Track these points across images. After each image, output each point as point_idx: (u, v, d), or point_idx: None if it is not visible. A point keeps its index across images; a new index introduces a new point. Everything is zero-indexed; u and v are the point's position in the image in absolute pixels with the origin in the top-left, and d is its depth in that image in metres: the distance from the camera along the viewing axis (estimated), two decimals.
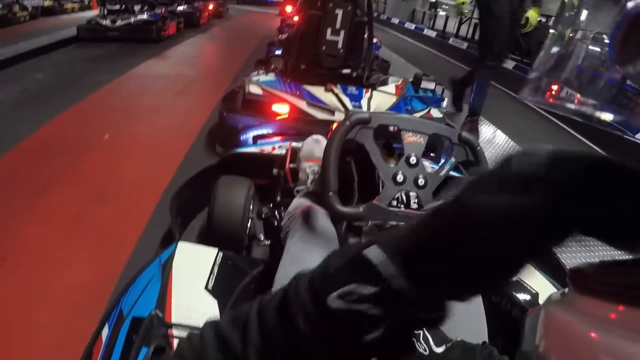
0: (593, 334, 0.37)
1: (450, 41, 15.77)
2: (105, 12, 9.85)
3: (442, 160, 1.53)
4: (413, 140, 1.49)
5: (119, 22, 9.37)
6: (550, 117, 8.42)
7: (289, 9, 10.16)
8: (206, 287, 1.32)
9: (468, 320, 1.15)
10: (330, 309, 0.43)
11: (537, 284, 1.53)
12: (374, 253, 0.44)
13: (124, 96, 5.77)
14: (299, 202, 1.79)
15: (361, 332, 0.43)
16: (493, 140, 5.98)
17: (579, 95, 0.39)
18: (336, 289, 0.43)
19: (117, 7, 9.97)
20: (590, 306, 0.39)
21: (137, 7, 10.34)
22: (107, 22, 9.33)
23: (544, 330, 0.45)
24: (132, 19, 9.58)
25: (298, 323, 0.45)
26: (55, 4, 13.79)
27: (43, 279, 2.32)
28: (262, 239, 2.19)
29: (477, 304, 1.23)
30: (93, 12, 11.87)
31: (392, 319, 0.43)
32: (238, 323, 0.50)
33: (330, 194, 1.40)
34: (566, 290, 0.48)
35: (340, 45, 4.08)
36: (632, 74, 0.31)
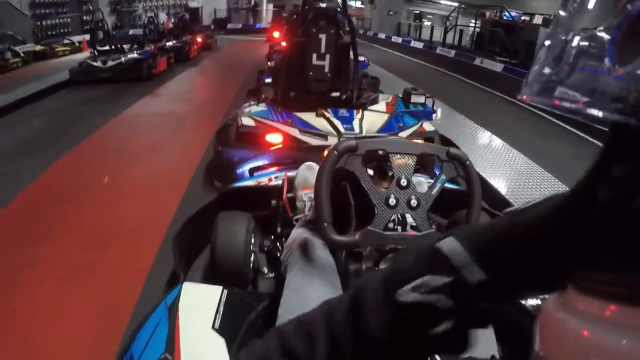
0: (587, 332, 0.38)
1: (438, 50, 15.90)
2: (96, 53, 9.94)
3: (436, 175, 1.56)
4: (402, 163, 1.51)
5: (110, 63, 9.46)
6: (547, 116, 8.48)
7: (276, 34, 10.26)
8: (213, 327, 1.33)
9: (475, 334, 1.14)
10: (402, 303, 0.44)
11: None
12: (447, 244, 0.45)
13: (120, 137, 5.83)
14: (296, 234, 1.82)
15: (430, 325, 0.44)
16: (489, 146, 6.02)
17: (580, 96, 0.39)
18: (409, 282, 0.44)
19: (107, 47, 10.07)
20: (587, 304, 0.40)
21: (126, 46, 10.47)
22: (98, 63, 9.42)
23: (541, 331, 0.45)
24: (123, 59, 9.65)
25: (369, 322, 0.45)
26: (46, 48, 13.95)
27: (51, 331, 2.33)
28: (266, 272, 2.20)
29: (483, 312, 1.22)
30: (84, 54, 11.96)
31: (461, 312, 0.44)
32: (302, 331, 0.50)
33: (325, 224, 1.41)
34: (567, 288, 0.46)
35: (327, 69, 4.14)
36: (632, 74, 0.33)
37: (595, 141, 6.59)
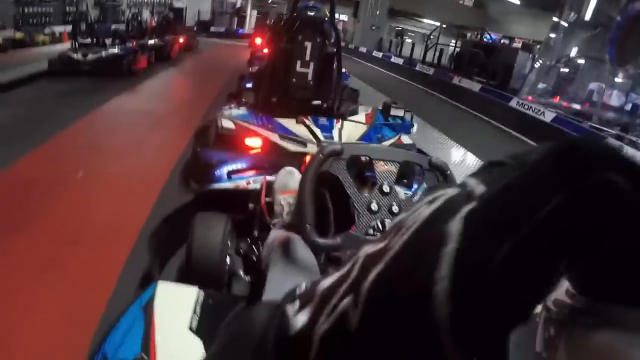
0: (592, 333, 0.36)
1: (417, 67, 16.06)
2: (77, 45, 9.81)
3: (415, 186, 1.58)
4: (385, 169, 1.54)
5: (91, 56, 9.32)
6: (517, 134, 8.68)
7: (258, 40, 10.30)
8: (190, 327, 1.33)
9: None
10: None
11: None
12: None
13: (97, 133, 5.76)
14: (276, 234, 1.82)
15: None
16: (463, 162, 6.12)
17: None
18: None
19: (89, 40, 9.96)
20: (589, 305, 0.38)
21: (108, 41, 10.33)
22: (78, 56, 9.26)
23: (544, 328, 0.44)
24: (104, 53, 9.53)
25: None
26: (26, 36, 13.68)
27: (17, 327, 2.26)
28: (241, 275, 2.20)
29: None
30: (65, 45, 11.76)
31: None
32: None
33: (308, 227, 1.41)
34: (566, 287, 0.44)
35: (310, 77, 4.16)
36: (632, 73, 0.31)
37: None
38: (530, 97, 10.62)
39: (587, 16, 9.15)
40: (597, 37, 9.37)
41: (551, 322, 0.42)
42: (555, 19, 10.57)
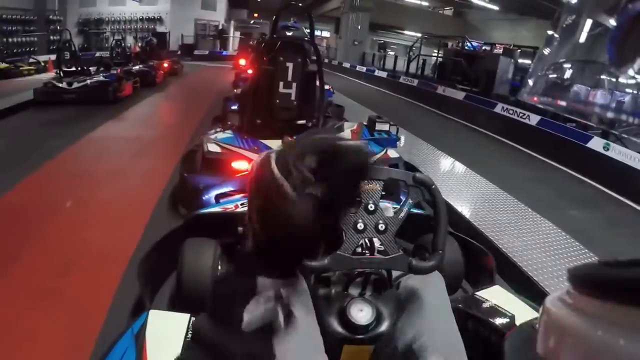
0: (592, 333, 0.38)
1: (401, 79, 16.12)
2: (62, 74, 9.83)
3: (403, 198, 1.60)
4: (369, 188, 1.56)
5: (75, 84, 9.34)
6: (506, 140, 8.77)
7: (242, 62, 10.33)
8: (182, 355, 1.35)
9: (448, 352, 1.19)
10: None
11: (513, 307, 1.58)
12: None
13: (84, 161, 5.77)
14: None
15: None
16: (452, 171, 6.15)
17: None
18: None
19: (73, 68, 9.98)
20: (589, 305, 0.40)
21: (92, 68, 10.42)
22: (63, 84, 9.29)
23: (545, 329, 0.46)
24: (89, 81, 9.54)
25: None
26: (11, 66, 13.65)
27: (9, 356, 2.27)
28: None
29: (454, 334, 1.26)
30: (49, 75, 11.79)
31: None
32: None
33: None
34: (567, 289, 0.48)
35: (293, 97, 4.19)
36: (630, 74, 0.34)
37: (554, 163, 6.83)
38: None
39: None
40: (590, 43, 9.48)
41: (551, 323, 0.44)
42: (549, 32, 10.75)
